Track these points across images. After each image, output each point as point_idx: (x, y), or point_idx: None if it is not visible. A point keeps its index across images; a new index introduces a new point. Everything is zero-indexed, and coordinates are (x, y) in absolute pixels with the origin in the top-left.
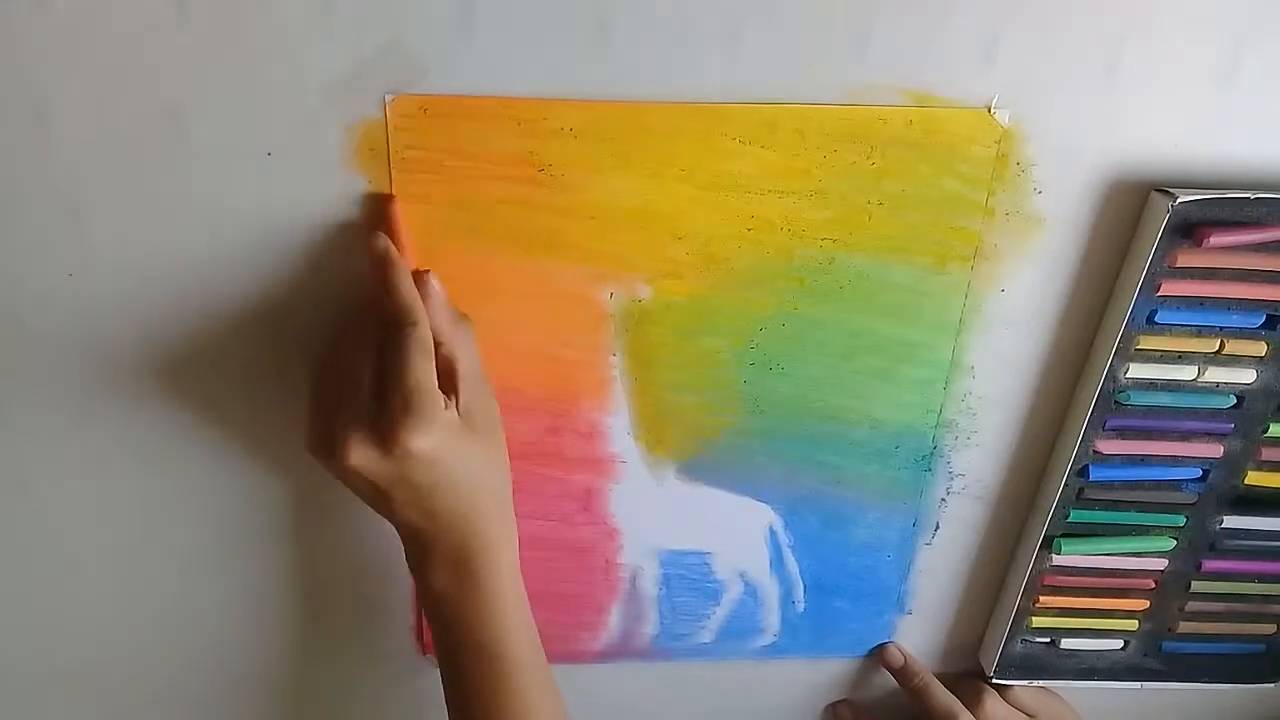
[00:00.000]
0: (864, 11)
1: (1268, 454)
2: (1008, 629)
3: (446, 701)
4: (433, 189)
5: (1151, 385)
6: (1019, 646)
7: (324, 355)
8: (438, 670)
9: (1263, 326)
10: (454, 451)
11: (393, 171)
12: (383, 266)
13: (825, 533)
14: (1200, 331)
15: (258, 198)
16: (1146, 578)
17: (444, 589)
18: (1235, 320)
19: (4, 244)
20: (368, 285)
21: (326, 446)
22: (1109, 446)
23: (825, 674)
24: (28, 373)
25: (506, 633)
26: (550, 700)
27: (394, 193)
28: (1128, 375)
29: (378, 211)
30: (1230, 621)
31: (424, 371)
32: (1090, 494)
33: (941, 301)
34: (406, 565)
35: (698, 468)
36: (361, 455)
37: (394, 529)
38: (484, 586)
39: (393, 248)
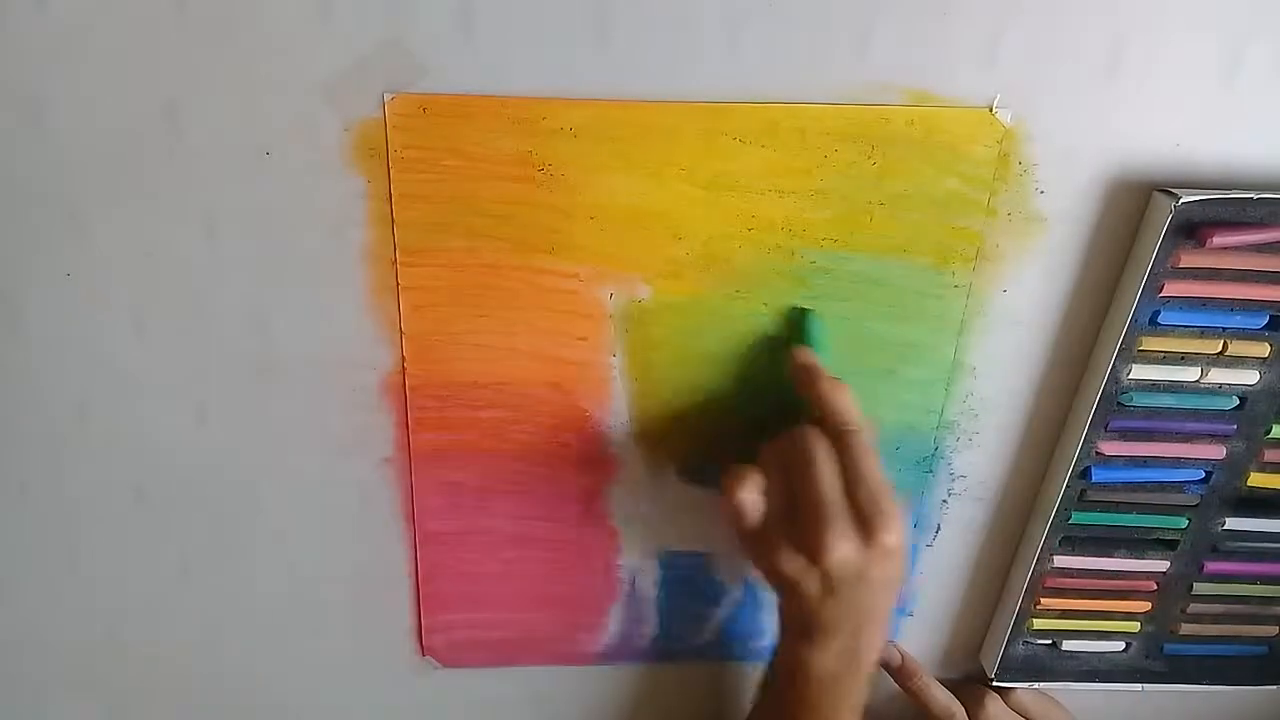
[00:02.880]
0: (865, 10)
1: (1270, 455)
2: (1009, 631)
3: None
4: (432, 189)
5: (1154, 386)
6: (1020, 648)
7: (751, 472)
8: (438, 671)
9: (1266, 327)
10: (862, 579)
11: (391, 171)
12: (811, 378)
13: None
14: (1203, 332)
15: (256, 197)
16: (1148, 579)
17: (833, 668)
18: (1238, 321)
19: (3, 244)
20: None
21: (776, 552)
22: (1111, 448)
23: None
24: (27, 373)
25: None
26: None
27: (392, 192)
28: (1130, 376)
29: None
30: (1232, 623)
31: (881, 471)
32: (1092, 495)
33: (943, 302)
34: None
35: (698, 468)
36: (843, 552)
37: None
38: (859, 677)
39: (815, 357)
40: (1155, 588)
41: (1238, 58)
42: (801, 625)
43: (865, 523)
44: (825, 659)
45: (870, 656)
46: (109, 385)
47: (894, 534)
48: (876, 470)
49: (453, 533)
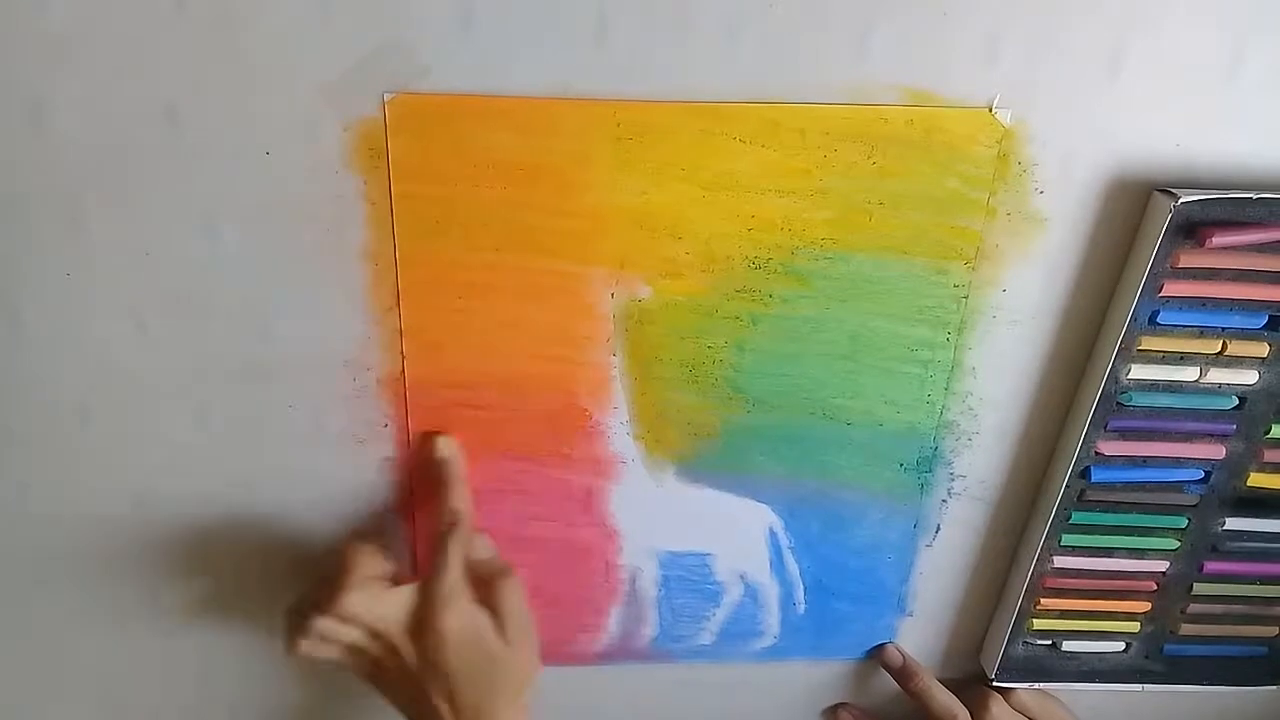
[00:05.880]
0: (865, 10)
1: (1270, 455)
2: (1009, 631)
3: None
4: (431, 189)
5: (1153, 386)
6: (1020, 648)
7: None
8: None
9: (1265, 327)
10: (481, 647)
11: (391, 171)
12: (444, 472)
13: (826, 534)
14: (1202, 332)
15: (256, 197)
16: (1148, 580)
17: None
18: (1237, 321)
19: (2, 244)
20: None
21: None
22: (1111, 448)
23: (826, 676)
24: (27, 372)
25: None
26: None
27: (392, 192)
28: (1129, 376)
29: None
30: (1232, 624)
31: (460, 566)
32: (1092, 495)
33: (942, 301)
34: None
35: (698, 468)
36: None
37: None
38: None
39: (457, 458)
40: (1155, 588)
41: (1238, 58)
42: None
43: (425, 603)
44: None
45: None
46: (109, 385)
47: (450, 616)
48: (458, 563)
49: None
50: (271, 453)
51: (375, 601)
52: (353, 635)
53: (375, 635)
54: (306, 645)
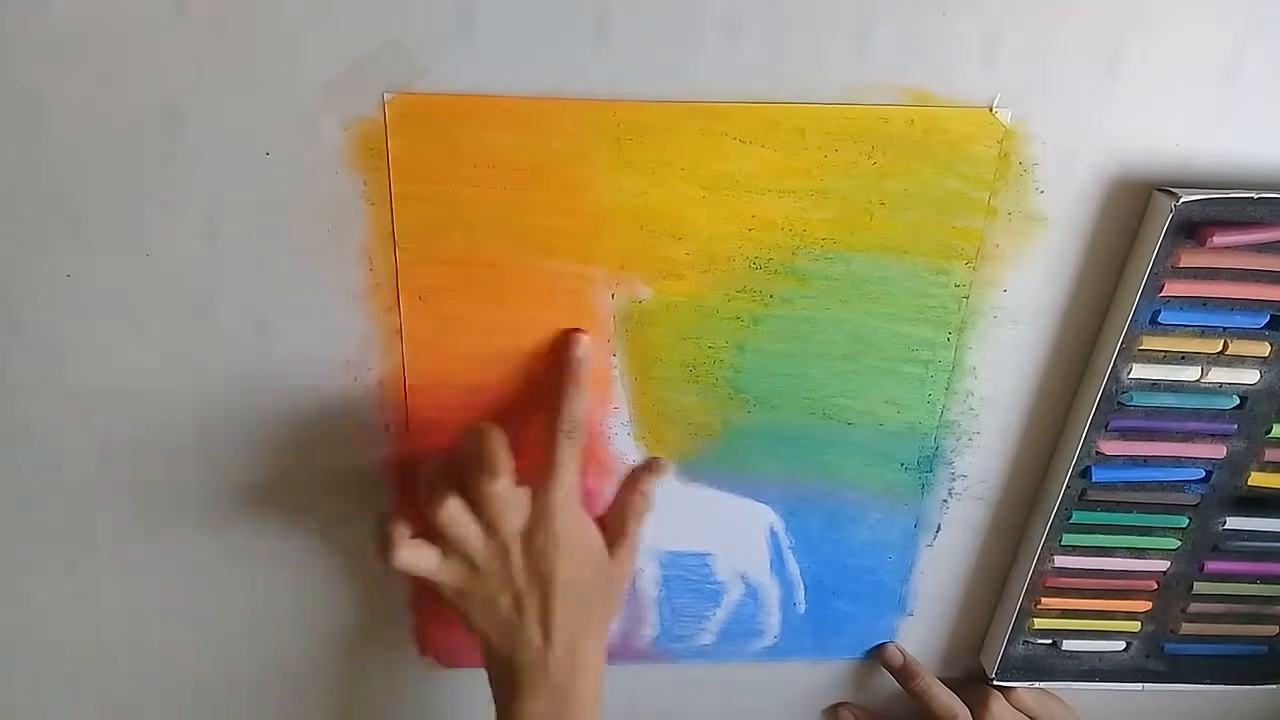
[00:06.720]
0: (865, 10)
1: (1271, 455)
2: (1009, 630)
3: None
4: (431, 189)
5: (1154, 386)
6: (1020, 648)
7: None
8: (438, 673)
9: (1266, 327)
10: (589, 559)
11: (391, 171)
12: (576, 373)
13: (826, 534)
14: (1203, 332)
15: (256, 197)
16: (1149, 579)
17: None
18: (1239, 321)
19: (2, 244)
20: None
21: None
22: (1111, 447)
23: (826, 676)
24: (27, 372)
25: None
26: None
27: (392, 191)
28: (1130, 376)
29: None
30: (1233, 623)
31: (576, 472)
32: (1092, 495)
33: (943, 301)
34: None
35: (698, 468)
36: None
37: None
38: None
39: (589, 362)
40: (1155, 587)
41: (1237, 58)
42: (504, 657)
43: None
44: (535, 713)
45: (586, 713)
46: (108, 386)
47: (556, 487)
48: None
49: None
50: (271, 452)
51: (511, 494)
52: (470, 530)
53: (492, 533)
54: (406, 553)
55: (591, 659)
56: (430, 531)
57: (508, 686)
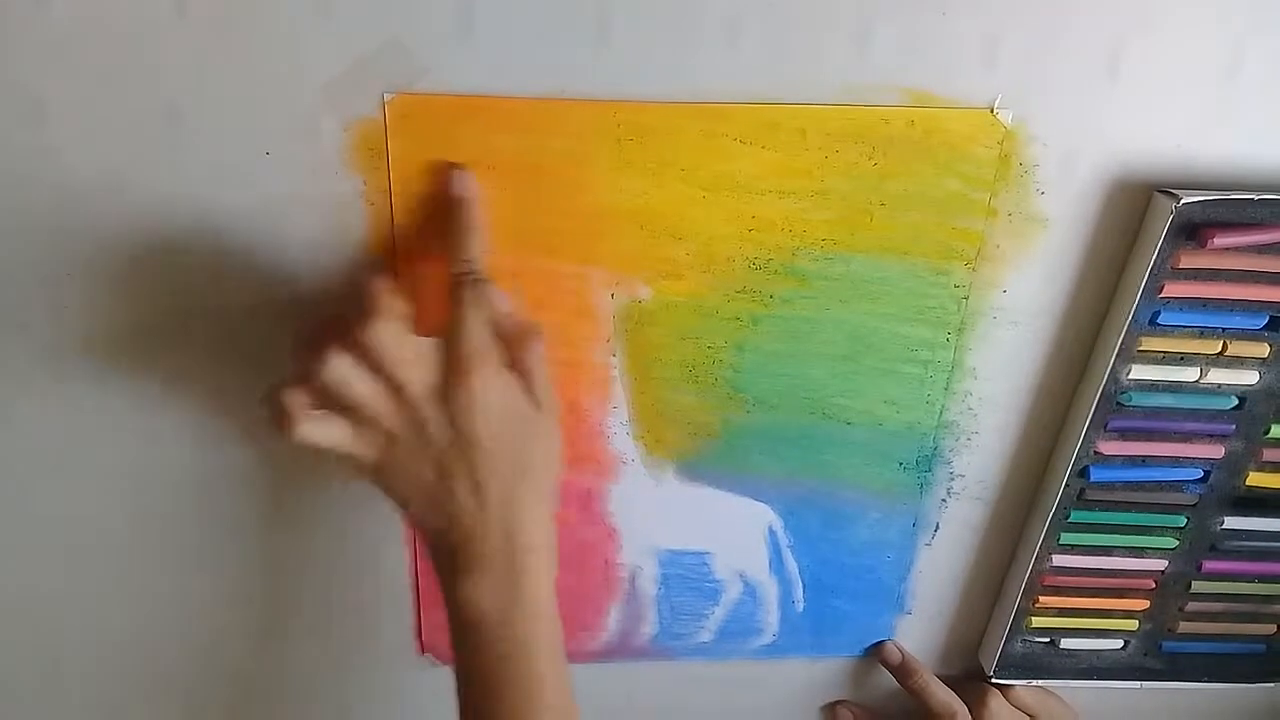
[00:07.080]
0: (865, 10)
1: (1269, 455)
2: (1007, 629)
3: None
4: (431, 189)
5: (1153, 386)
6: (1019, 646)
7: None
8: (437, 670)
9: (1265, 328)
10: (514, 410)
11: (391, 171)
12: (461, 214)
13: (825, 533)
14: (1203, 333)
15: (256, 197)
16: (1147, 578)
17: (487, 607)
18: (1238, 322)
19: (3, 244)
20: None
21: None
22: (1110, 447)
23: (825, 674)
24: (27, 372)
25: (544, 676)
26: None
27: (392, 192)
28: (1130, 376)
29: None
30: (1230, 621)
31: (484, 321)
32: (1091, 495)
33: (943, 302)
34: (409, 568)
35: (697, 468)
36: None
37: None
38: (528, 608)
39: (476, 200)
40: (1154, 586)
41: (1238, 58)
42: (440, 534)
43: (451, 365)
44: (480, 594)
45: (538, 590)
46: (108, 388)
47: (478, 378)
48: (481, 323)
49: None
50: (270, 455)
51: (404, 339)
52: (368, 389)
53: (396, 392)
54: (307, 425)
55: (538, 526)
56: (333, 405)
57: (449, 572)
